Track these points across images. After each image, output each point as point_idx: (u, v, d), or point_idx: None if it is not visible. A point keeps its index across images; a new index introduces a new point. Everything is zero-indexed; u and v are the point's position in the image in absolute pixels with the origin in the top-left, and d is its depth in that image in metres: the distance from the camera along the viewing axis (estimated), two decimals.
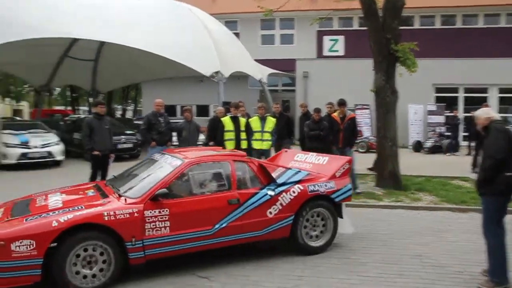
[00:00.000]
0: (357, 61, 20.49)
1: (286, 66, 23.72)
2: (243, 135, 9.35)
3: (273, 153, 8.82)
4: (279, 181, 5.41)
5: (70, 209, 4.41)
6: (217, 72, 15.24)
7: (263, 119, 9.56)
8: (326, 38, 25.27)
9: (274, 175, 5.47)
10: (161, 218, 4.62)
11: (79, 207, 4.46)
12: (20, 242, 3.98)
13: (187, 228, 4.75)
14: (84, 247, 4.25)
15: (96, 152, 7.99)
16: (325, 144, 9.14)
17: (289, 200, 5.33)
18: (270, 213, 5.23)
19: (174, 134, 10.38)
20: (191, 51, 15.01)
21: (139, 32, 14.38)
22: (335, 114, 9.36)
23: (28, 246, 4.00)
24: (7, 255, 3.94)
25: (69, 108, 41.65)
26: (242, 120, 9.51)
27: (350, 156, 7.15)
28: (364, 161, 11.73)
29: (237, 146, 9.07)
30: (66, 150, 14.22)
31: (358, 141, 15.93)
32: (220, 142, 9.15)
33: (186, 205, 4.83)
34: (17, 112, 58.20)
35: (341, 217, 5.76)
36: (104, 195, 4.90)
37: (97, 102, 9.24)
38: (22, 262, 3.99)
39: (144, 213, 4.53)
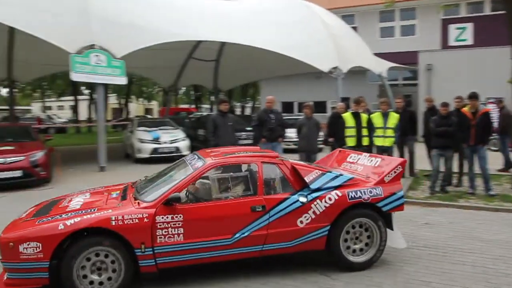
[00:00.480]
0: (489, 50, 18.68)
1: (407, 59, 22.57)
2: (364, 132, 9.07)
3: (396, 150, 8.41)
4: (314, 185, 4.72)
5: (83, 211, 4.27)
6: (335, 68, 15.08)
7: (385, 115, 9.19)
8: (452, 27, 23.49)
9: (308, 178, 4.76)
10: (174, 224, 4.25)
11: (92, 210, 4.28)
12: (28, 244, 3.92)
13: (203, 236, 4.33)
14: (96, 252, 4.06)
15: None
16: (453, 141, 8.48)
17: (324, 208, 4.66)
18: (301, 222, 4.61)
19: (291, 130, 10.48)
20: (309, 48, 15.07)
21: (259, 31, 14.85)
22: (465, 109, 8.62)
23: (35, 249, 3.93)
24: (16, 257, 3.92)
25: (192, 106, 44.48)
26: (364, 116, 9.23)
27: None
28: (495, 161, 10.62)
29: (358, 143, 8.85)
30: (191, 146, 15.16)
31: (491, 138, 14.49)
32: (341, 139, 9.00)
33: (203, 211, 4.41)
34: (148, 110, 63.99)
35: (391, 228, 5.00)
36: (124, 198, 4.65)
37: (221, 100, 9.71)
38: (30, 264, 3.94)
39: (156, 219, 4.20)
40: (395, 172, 4.95)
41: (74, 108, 41.12)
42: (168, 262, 4.29)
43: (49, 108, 63.82)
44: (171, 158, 14.19)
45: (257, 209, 4.47)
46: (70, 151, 18.46)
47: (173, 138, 14.82)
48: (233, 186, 4.75)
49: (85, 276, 4.06)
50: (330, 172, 4.98)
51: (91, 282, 4.07)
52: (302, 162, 5.40)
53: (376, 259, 4.88)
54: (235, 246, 4.42)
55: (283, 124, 9.59)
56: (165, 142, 14.50)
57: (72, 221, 4.06)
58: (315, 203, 4.63)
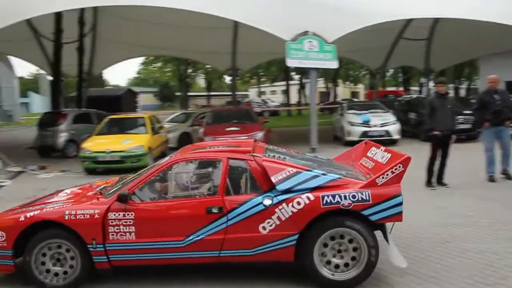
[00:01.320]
0: None
1: None
2: None
3: None
4: (281, 187, 3.92)
5: (50, 205, 4.32)
6: None
7: None
8: None
9: (276, 178, 3.95)
10: (125, 222, 4.02)
11: (59, 204, 4.30)
12: None
13: (154, 236, 4.03)
14: (58, 244, 4.09)
15: (435, 132, 7.89)
16: None
17: (291, 213, 3.88)
18: (264, 228, 3.92)
19: None
20: None
21: (477, 1, 13.32)
22: None
23: (1, 237, 4.11)
24: None
25: (400, 88, 42.74)
26: None
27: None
28: None
29: None
30: (401, 130, 14.63)
31: None
32: None
33: (154, 210, 4.10)
34: (354, 94, 64.07)
35: (387, 242, 4.01)
36: (99, 193, 4.54)
37: (438, 81, 9.05)
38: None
39: (108, 215, 4.03)
40: (392, 172, 3.88)
41: (286, 93, 44.19)
42: (121, 260, 4.14)
43: (263, 93, 69.84)
44: (381, 142, 14.02)
45: (213, 211, 3.98)
46: (283, 133, 19.92)
47: (384, 121, 14.53)
48: (192, 184, 4.35)
49: (47, 269, 4.15)
50: (310, 170, 4.07)
51: (48, 271, 4.13)
52: (278, 159, 4.35)
53: (364, 277, 3.93)
54: (188, 249, 4.02)
55: (511, 106, 8.43)
56: (375, 126, 14.34)
57: (32, 213, 4.17)
58: (280, 207, 3.90)
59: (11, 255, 4.14)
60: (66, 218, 4.05)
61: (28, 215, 4.16)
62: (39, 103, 58.92)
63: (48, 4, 12.18)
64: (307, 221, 3.88)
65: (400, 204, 3.87)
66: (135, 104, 35.88)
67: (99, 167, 10.72)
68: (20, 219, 4.14)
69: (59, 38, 18.53)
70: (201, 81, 69.99)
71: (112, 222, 4.05)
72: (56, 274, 4.12)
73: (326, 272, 3.91)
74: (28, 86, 69.09)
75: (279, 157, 4.43)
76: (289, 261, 4.02)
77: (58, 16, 17.78)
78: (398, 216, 3.91)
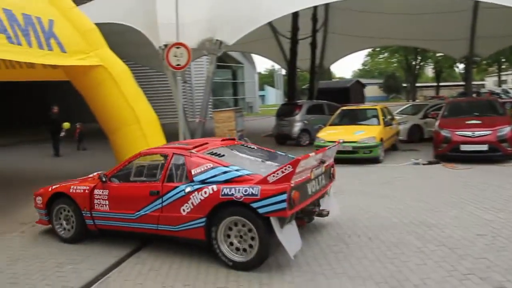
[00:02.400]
0: None
1: None
2: None
3: None
4: (200, 178, 4.79)
5: (69, 183, 5.98)
6: None
7: None
8: None
9: (195, 171, 4.84)
10: (103, 197, 5.46)
11: (74, 182, 5.92)
12: (38, 198, 6.07)
13: (119, 209, 5.31)
14: (65, 208, 5.80)
15: None
16: None
17: (200, 200, 4.66)
18: (184, 210, 4.79)
19: None
20: None
21: None
22: None
23: (40, 201, 6.01)
24: (36, 205, 6.15)
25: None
26: None
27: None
28: None
29: None
30: None
31: None
32: None
33: (120, 189, 5.42)
34: None
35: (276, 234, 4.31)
36: (97, 176, 5.76)
37: None
38: (39, 210, 6.10)
39: (94, 191, 5.53)
40: (282, 172, 4.25)
41: None
42: (101, 225, 5.55)
43: (504, 81, 61.22)
44: None
45: (153, 193, 5.02)
46: None
47: None
48: (146, 172, 5.53)
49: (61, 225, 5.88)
50: (226, 167, 4.75)
51: (61, 226, 5.85)
52: (212, 156, 5.06)
53: (258, 262, 4.48)
54: (137, 221, 5.15)
55: None
56: None
57: (54, 187, 5.94)
58: (193, 194, 4.71)
59: (45, 213, 5.98)
60: (71, 191, 5.74)
61: (51, 188, 5.97)
62: (273, 96, 65.05)
63: (287, 5, 13.21)
64: (210, 207, 4.59)
65: (284, 201, 4.17)
66: (362, 95, 36.03)
67: None
68: (48, 190, 5.98)
69: (295, 35, 19.97)
70: (429, 71, 65.83)
71: (96, 196, 5.54)
72: (65, 229, 5.83)
73: (228, 252, 4.59)
74: (264, 80, 76.96)
75: (221, 154, 5.16)
76: (201, 239, 4.73)
77: (295, 15, 19.15)
78: (282, 212, 4.22)
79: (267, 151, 5.96)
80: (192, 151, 5.11)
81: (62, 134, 14.82)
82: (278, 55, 23.94)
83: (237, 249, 4.55)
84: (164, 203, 4.94)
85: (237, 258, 4.53)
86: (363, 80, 46.93)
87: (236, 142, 6.13)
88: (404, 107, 18.28)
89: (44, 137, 16.97)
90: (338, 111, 13.07)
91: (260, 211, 4.28)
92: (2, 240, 5.98)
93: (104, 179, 5.48)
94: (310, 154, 4.60)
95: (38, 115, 26.00)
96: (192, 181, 4.81)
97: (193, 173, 4.83)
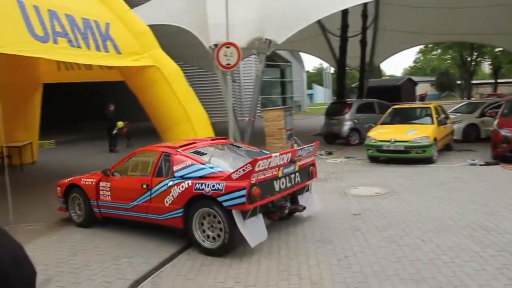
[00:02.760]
0: None
1: None
2: None
3: None
4: (179, 173, 5.39)
5: (83, 176, 6.75)
6: None
7: None
8: None
9: (177, 168, 5.46)
10: (106, 188, 6.16)
11: (86, 175, 6.69)
12: (57, 188, 6.90)
13: (118, 199, 6.01)
14: (77, 197, 6.60)
15: None
16: None
17: (178, 193, 5.26)
18: (167, 202, 5.38)
19: None
20: None
21: None
22: None
23: (59, 191, 6.86)
24: (56, 194, 6.97)
25: None
26: None
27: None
28: None
29: None
30: None
31: None
32: None
33: (118, 182, 6.13)
34: None
35: (237, 225, 4.83)
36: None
37: None
38: (59, 199, 6.89)
39: (100, 184, 6.24)
40: (243, 170, 4.75)
41: None
42: (105, 213, 6.28)
43: None
44: None
45: (144, 186, 5.64)
46: None
47: None
48: (141, 167, 6.03)
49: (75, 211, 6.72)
50: (203, 164, 5.33)
51: (74, 212, 6.70)
52: (194, 154, 5.61)
53: (226, 249, 4.95)
54: (132, 210, 5.81)
55: None
56: None
57: (69, 179, 6.79)
58: (173, 188, 5.28)
59: (63, 201, 6.83)
60: (82, 183, 6.53)
61: (67, 180, 6.78)
62: (322, 94, 64.43)
63: (337, 2, 13.04)
64: (185, 200, 5.17)
65: (243, 196, 4.66)
66: (414, 93, 34.94)
67: (382, 156, 10.91)
68: (65, 182, 6.79)
69: (345, 32, 19.67)
70: (486, 67, 62.87)
71: (101, 187, 6.25)
72: (78, 215, 6.62)
73: (199, 239, 5.13)
74: (312, 79, 76.36)
75: (204, 153, 5.71)
76: (180, 227, 5.31)
77: (345, 12, 18.85)
78: (242, 206, 4.73)
79: (252, 150, 6.47)
80: (178, 150, 5.74)
81: (115, 132, 15.43)
82: (327, 53, 23.67)
83: (208, 236, 5.12)
84: (152, 195, 5.59)
85: (207, 244, 5.11)
86: (415, 78, 45.45)
87: (226, 142, 6.71)
88: (459, 105, 17.57)
89: (100, 135, 17.72)
90: (390, 110, 12.76)
91: (225, 204, 4.83)
92: (63, 233, 6.30)
93: (107, 173, 6.27)
94: (273, 155, 5.08)
95: (94, 114, 27.15)
96: (174, 176, 5.43)
97: (174, 169, 5.47)
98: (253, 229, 4.97)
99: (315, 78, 79.89)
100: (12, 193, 6.84)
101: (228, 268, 4.67)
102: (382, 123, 12.15)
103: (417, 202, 6.95)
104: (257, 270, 4.57)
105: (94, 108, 29.22)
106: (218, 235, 5.00)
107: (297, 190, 5.85)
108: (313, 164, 6.11)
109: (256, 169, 4.71)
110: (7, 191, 6.73)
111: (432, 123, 11.18)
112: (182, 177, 5.32)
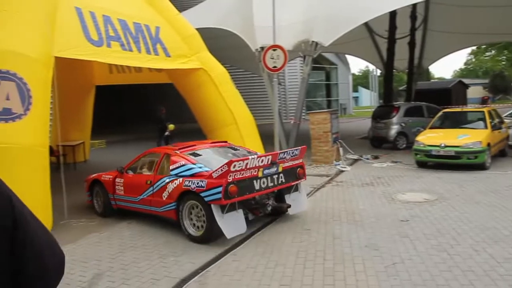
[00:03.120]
0: None
1: None
2: None
3: None
4: (174, 172, 6.15)
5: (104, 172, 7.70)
6: None
7: None
8: None
9: (173, 167, 6.22)
10: (120, 184, 7.03)
11: (106, 172, 7.57)
12: (85, 183, 7.89)
13: (129, 193, 6.85)
14: (98, 191, 7.47)
15: None
16: None
17: (172, 189, 6.00)
18: (164, 196, 6.14)
19: None
20: None
21: None
22: None
23: (85, 185, 7.83)
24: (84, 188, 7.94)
25: None
26: None
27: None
28: None
29: None
30: None
31: None
32: None
33: (130, 178, 6.96)
34: None
35: (214, 218, 5.47)
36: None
37: None
38: (87, 192, 7.80)
39: (115, 180, 7.10)
40: (221, 170, 5.41)
41: None
42: (119, 205, 7.09)
43: None
44: None
45: (148, 182, 6.44)
46: None
47: None
48: (148, 166, 6.85)
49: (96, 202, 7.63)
50: (194, 164, 6.08)
51: (97, 202, 7.59)
52: (190, 155, 6.37)
53: (208, 237, 5.60)
54: (138, 203, 6.63)
55: None
56: None
57: (93, 176, 7.67)
58: (169, 184, 6.08)
59: (88, 194, 7.73)
60: (102, 178, 7.37)
61: (92, 176, 7.68)
62: (368, 97, 63.28)
63: (386, 3, 12.77)
64: (176, 195, 5.90)
65: (220, 192, 5.31)
66: (465, 97, 33.60)
67: (431, 161, 10.58)
68: (91, 177, 7.66)
69: (393, 34, 19.23)
70: None
71: (116, 183, 7.07)
72: (99, 206, 7.49)
73: (188, 227, 5.83)
74: (358, 81, 75.17)
75: (199, 154, 6.48)
76: (174, 218, 5.98)
77: (393, 13, 18.43)
78: (219, 201, 5.36)
79: (247, 152, 6.99)
80: (177, 151, 6.51)
81: (167, 133, 15.80)
82: (374, 55, 23.23)
83: (194, 225, 5.81)
84: (154, 190, 6.34)
85: (193, 232, 5.79)
86: (466, 81, 43.75)
87: (225, 145, 7.29)
88: None
89: (150, 136, 18.21)
90: (440, 114, 12.35)
91: (206, 199, 5.49)
92: (113, 230, 6.53)
93: (122, 171, 7.11)
94: (250, 157, 5.65)
95: (142, 115, 27.92)
96: (170, 174, 6.20)
97: (171, 168, 6.25)
98: (231, 222, 5.56)
99: (361, 80, 78.57)
100: (66, 190, 7.21)
101: (273, 271, 4.67)
102: (432, 127, 11.77)
103: (468, 210, 6.68)
104: (302, 274, 4.55)
105: (141, 109, 30.14)
106: (202, 226, 5.69)
107: (284, 190, 6.39)
108: (301, 166, 6.54)
109: (232, 169, 5.34)
110: (62, 188, 7.09)
111: (486, 128, 10.72)
112: (176, 175, 6.10)
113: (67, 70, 10.51)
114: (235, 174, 5.41)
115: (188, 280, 4.54)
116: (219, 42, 13.27)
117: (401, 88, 34.69)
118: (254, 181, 5.74)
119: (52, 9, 6.89)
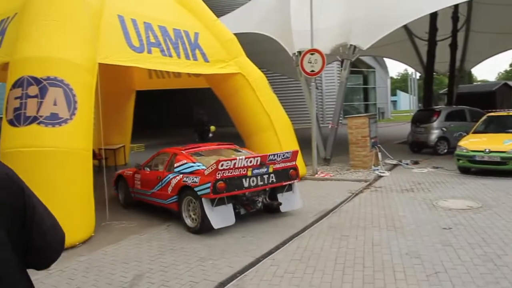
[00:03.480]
0: None
1: None
2: None
3: None
4: (177, 169, 6.93)
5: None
6: None
7: None
8: None
9: (176, 165, 7.01)
10: (138, 179, 7.89)
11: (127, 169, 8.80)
12: (112, 177, 8.95)
13: (144, 187, 7.68)
14: (122, 184, 8.52)
15: None
16: None
17: (174, 184, 6.79)
18: (169, 190, 6.91)
19: None
20: None
21: None
22: None
23: (112, 180, 8.88)
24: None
25: None
26: None
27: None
28: None
29: None
30: None
31: None
32: None
33: (145, 174, 7.77)
34: None
35: (204, 211, 6.19)
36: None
37: None
38: (113, 186, 8.81)
39: (135, 175, 8.02)
40: (211, 168, 6.13)
41: None
42: (137, 197, 8.04)
43: None
44: None
45: (158, 178, 7.26)
46: None
47: None
48: (160, 164, 7.64)
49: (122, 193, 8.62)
50: (194, 163, 6.84)
51: (120, 194, 8.63)
52: (192, 155, 7.17)
53: (202, 229, 6.29)
54: (150, 196, 7.51)
55: None
56: None
57: (118, 172, 8.78)
58: (172, 180, 6.87)
59: (115, 188, 8.68)
60: (124, 174, 8.33)
61: (117, 172, 8.75)
62: (406, 101, 61.87)
63: (427, 5, 12.46)
64: (177, 189, 6.67)
65: (209, 188, 6.02)
66: (510, 100, 32.25)
67: (474, 167, 10.21)
68: (117, 173, 8.71)
69: (433, 36, 18.75)
70: None
71: (135, 178, 7.95)
72: (122, 197, 8.48)
73: (186, 219, 6.60)
74: (396, 85, 73.67)
75: (202, 154, 7.28)
76: (176, 210, 6.81)
77: (434, 15, 17.98)
78: (208, 195, 6.09)
79: (249, 153, 7.38)
80: (182, 151, 7.29)
81: (210, 135, 16.06)
82: (413, 58, 22.73)
83: (190, 216, 6.55)
84: (162, 185, 7.08)
85: (189, 223, 6.55)
86: None
87: (229, 147, 7.90)
88: None
89: (187, 139, 18.50)
90: (484, 118, 11.92)
91: (199, 193, 6.19)
92: (152, 232, 6.66)
93: (139, 167, 7.97)
94: (238, 158, 6.22)
95: (179, 119, 28.35)
96: (174, 171, 6.96)
97: (175, 166, 7.03)
98: (219, 215, 6.25)
99: (399, 84, 76.98)
100: (108, 192, 7.43)
101: (312, 276, 4.63)
102: (475, 132, 11.37)
103: None
104: (341, 281, 4.48)
105: (179, 113, 30.62)
106: (197, 218, 6.39)
107: (277, 188, 6.92)
108: (294, 168, 6.97)
109: (220, 167, 5.97)
110: (105, 191, 7.31)
111: None
112: (179, 172, 6.87)
113: (109, 76, 10.82)
114: (223, 172, 6.03)
115: (226, 284, 4.57)
116: (256, 47, 13.33)
117: (441, 91, 33.71)
118: (243, 179, 6.31)
119: (97, 18, 7.13)
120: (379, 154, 11.97)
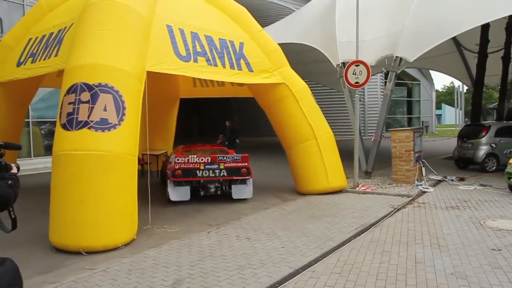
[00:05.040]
0: None
1: None
2: None
3: None
4: (171, 160, 9.61)
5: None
6: None
7: None
8: None
9: (171, 157, 9.96)
10: (166, 166, 10.26)
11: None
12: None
13: (165, 171, 10.11)
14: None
15: None
16: None
17: (167, 169, 9.50)
18: (168, 172, 9.31)
19: None
20: None
21: None
22: None
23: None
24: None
25: None
26: None
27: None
28: None
29: None
30: None
31: None
32: None
33: (165, 164, 10.60)
34: None
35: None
36: None
37: None
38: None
39: (164, 163, 11.03)
40: (176, 161, 8.89)
41: None
42: (163, 178, 10.60)
43: None
44: None
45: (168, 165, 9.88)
46: None
47: None
48: (169, 158, 10.32)
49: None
50: (177, 157, 9.09)
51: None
52: (183, 152, 10.14)
53: (168, 200, 9.08)
54: (167, 177, 9.47)
55: None
56: None
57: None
58: (167, 166, 9.82)
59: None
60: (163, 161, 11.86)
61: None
62: (452, 115, 60.02)
63: (479, 16, 12.08)
64: (165, 172, 9.83)
65: (170, 173, 8.98)
66: None
67: None
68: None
69: (484, 48, 18.12)
70: None
71: (164, 165, 10.86)
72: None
73: (166, 193, 9.36)
74: (441, 98, 71.59)
75: (192, 151, 10.10)
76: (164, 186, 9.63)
77: (485, 26, 17.38)
78: (169, 178, 8.92)
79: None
80: (179, 149, 10.43)
81: (237, 141, 16.32)
82: (461, 71, 22.03)
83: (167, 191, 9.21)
84: (168, 168, 9.47)
85: (167, 195, 9.10)
86: None
87: (218, 148, 11.05)
88: None
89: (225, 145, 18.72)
90: None
91: (167, 176, 9.02)
92: (193, 238, 6.74)
93: (165, 159, 11.21)
94: (190, 156, 8.88)
95: (220, 126, 28.61)
96: (170, 161, 9.54)
97: (171, 157, 9.66)
98: (177, 192, 8.92)
99: (445, 97, 74.80)
100: (151, 197, 7.57)
101: None
102: None
103: None
104: None
105: (219, 120, 30.97)
106: None
107: (232, 180, 9.13)
108: (246, 168, 8.99)
109: (177, 161, 8.78)
110: (148, 195, 7.46)
111: None
112: (171, 162, 9.33)
113: (156, 83, 11.14)
114: (180, 165, 8.75)
115: None
116: (300, 57, 13.36)
117: (490, 106, 32.47)
118: (197, 171, 8.79)
119: (147, 27, 7.37)
120: (423, 169, 11.65)
